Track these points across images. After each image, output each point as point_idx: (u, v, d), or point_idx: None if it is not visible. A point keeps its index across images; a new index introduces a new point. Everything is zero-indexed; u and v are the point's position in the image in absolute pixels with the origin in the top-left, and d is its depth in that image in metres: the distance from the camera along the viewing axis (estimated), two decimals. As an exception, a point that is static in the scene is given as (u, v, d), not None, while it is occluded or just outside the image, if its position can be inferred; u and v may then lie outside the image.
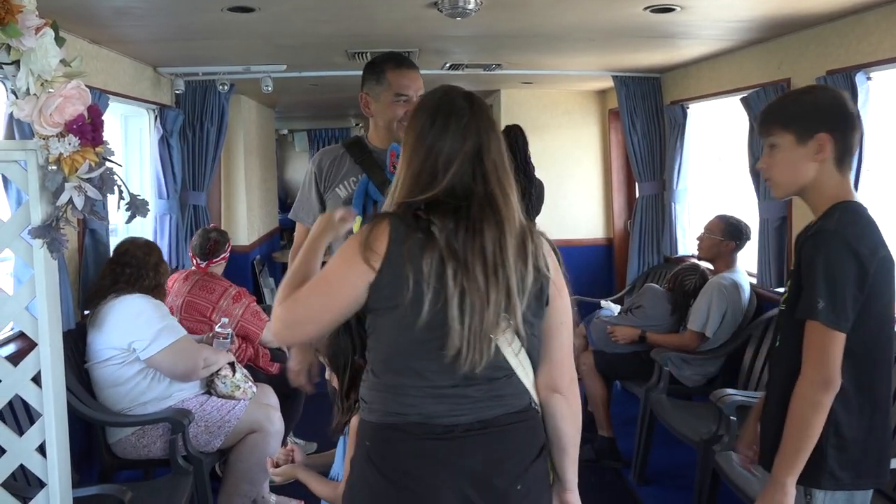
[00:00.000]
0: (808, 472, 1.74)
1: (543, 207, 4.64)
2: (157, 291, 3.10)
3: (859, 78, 2.97)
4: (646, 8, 2.99)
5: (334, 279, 1.46)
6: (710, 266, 3.86)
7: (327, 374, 1.85)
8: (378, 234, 1.42)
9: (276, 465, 1.90)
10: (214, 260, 3.69)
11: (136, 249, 3.11)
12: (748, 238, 3.75)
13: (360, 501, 1.51)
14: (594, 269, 6.13)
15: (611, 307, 4.50)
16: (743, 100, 3.79)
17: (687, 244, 4.88)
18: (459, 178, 1.45)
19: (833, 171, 1.75)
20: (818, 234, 1.72)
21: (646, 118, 5.09)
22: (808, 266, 1.71)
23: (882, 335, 1.76)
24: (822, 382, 1.69)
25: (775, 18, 3.21)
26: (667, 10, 3.01)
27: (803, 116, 1.75)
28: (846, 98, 1.80)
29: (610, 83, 5.25)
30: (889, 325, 1.76)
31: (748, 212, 3.89)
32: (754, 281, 3.83)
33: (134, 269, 3.05)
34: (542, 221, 4.65)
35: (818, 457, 1.73)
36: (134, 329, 2.92)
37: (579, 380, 3.94)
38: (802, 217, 3.44)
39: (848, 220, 1.72)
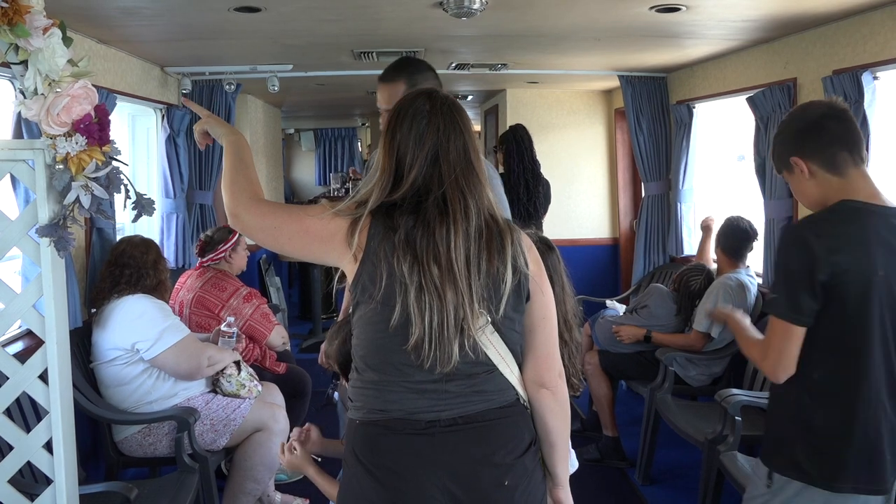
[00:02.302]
0: (770, 453, 1.85)
1: (549, 207, 4.65)
2: (159, 290, 3.10)
3: (866, 77, 2.96)
4: (651, 7, 2.98)
5: (317, 247, 1.51)
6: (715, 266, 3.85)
7: (342, 380, 1.87)
8: (361, 227, 1.46)
9: (290, 450, 1.91)
10: (204, 260, 3.72)
11: (133, 249, 3.10)
12: (742, 239, 3.66)
13: (349, 499, 1.52)
14: (600, 268, 6.12)
15: (616, 307, 4.50)
16: (749, 99, 3.78)
17: (693, 244, 4.87)
18: (420, 180, 1.48)
19: (829, 178, 1.80)
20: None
21: (652, 118, 5.07)
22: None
23: (857, 332, 1.74)
24: (770, 370, 1.80)
25: (781, 18, 3.20)
26: (672, 9, 3.00)
27: (777, 153, 1.91)
28: (813, 110, 1.85)
29: (616, 83, 5.24)
30: (866, 322, 1.73)
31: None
32: (760, 281, 3.81)
33: (133, 270, 3.05)
34: (547, 221, 4.67)
35: (783, 441, 1.81)
36: (137, 330, 2.93)
37: (584, 379, 3.99)
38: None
39: (821, 217, 1.78)
